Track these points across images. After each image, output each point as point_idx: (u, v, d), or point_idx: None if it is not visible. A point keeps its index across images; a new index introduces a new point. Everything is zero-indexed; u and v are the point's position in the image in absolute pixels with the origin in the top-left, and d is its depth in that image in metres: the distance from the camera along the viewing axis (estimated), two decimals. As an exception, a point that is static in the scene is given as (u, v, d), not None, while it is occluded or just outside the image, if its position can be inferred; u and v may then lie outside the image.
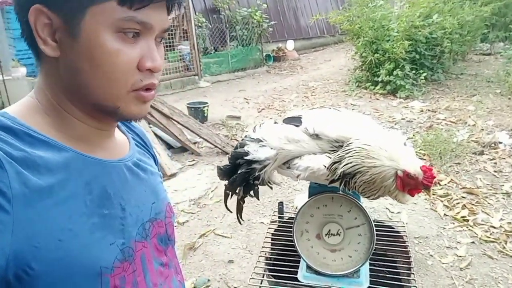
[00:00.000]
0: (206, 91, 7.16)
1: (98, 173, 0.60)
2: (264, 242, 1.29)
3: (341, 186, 0.95)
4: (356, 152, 0.89)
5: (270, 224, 1.39)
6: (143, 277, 0.64)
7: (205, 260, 2.61)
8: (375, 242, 1.05)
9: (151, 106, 3.90)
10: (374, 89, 6.39)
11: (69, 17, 0.54)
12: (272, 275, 1.15)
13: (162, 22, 0.59)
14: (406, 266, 1.18)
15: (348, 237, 1.07)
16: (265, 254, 1.25)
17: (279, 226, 1.38)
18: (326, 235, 1.09)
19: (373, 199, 0.93)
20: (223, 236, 2.85)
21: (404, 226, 1.30)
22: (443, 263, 2.52)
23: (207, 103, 5.35)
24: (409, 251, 1.20)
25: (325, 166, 0.96)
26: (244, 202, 1.12)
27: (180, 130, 4.13)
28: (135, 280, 0.62)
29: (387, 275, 1.15)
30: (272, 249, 1.31)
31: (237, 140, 4.63)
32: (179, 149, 4.25)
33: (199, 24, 7.57)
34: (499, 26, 8.30)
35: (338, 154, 0.92)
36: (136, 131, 0.82)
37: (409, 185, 0.85)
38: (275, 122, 1.13)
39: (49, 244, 0.51)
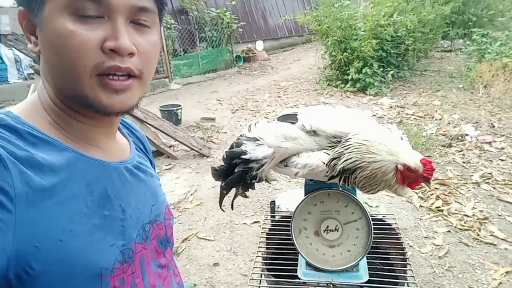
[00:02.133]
0: (178, 94, 7.05)
1: (99, 174, 0.60)
2: (260, 242, 1.28)
3: (341, 182, 0.95)
4: (356, 148, 0.90)
5: (263, 224, 1.38)
6: (142, 278, 0.64)
7: (189, 264, 2.57)
8: (372, 235, 1.06)
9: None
10: (344, 87, 6.53)
11: (36, 11, 0.55)
12: (271, 275, 1.14)
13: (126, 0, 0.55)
14: (401, 257, 1.21)
15: (346, 232, 1.09)
16: (262, 254, 1.25)
17: (272, 225, 1.37)
18: (324, 231, 1.09)
19: (372, 193, 0.95)
20: (206, 239, 2.82)
21: (395, 219, 1.34)
22: (422, 253, 2.61)
23: (180, 105, 5.28)
24: (402, 242, 1.23)
25: (324, 163, 0.96)
26: (245, 195, 1.11)
27: (155, 134, 4.05)
28: (134, 282, 0.62)
29: (384, 267, 1.17)
30: (267, 248, 1.30)
31: (213, 142, 4.59)
32: (154, 153, 4.16)
33: (168, 26, 7.45)
34: (458, 24, 8.70)
35: (337, 150, 0.93)
36: (137, 134, 0.82)
37: (409, 178, 0.87)
38: (268, 121, 1.12)
39: (50, 244, 0.50)
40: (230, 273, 2.49)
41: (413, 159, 0.85)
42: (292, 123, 1.04)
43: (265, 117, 5.47)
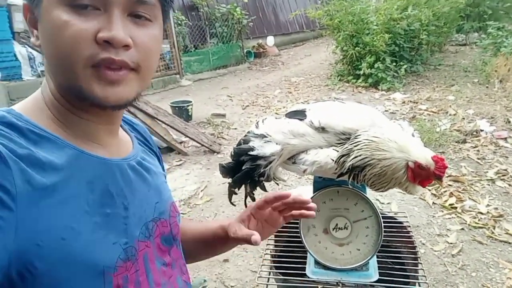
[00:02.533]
0: (189, 90, 7.07)
1: (101, 172, 0.59)
2: (268, 239, 1.27)
3: (350, 179, 0.93)
4: (365, 145, 0.88)
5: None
6: (146, 276, 0.63)
7: (199, 260, 2.58)
8: (383, 234, 1.04)
9: (135, 107, 3.82)
10: (356, 82, 6.45)
11: (35, 3, 0.56)
12: (279, 273, 1.13)
13: None
14: (412, 256, 1.18)
15: (356, 230, 1.07)
16: (270, 252, 1.24)
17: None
18: (333, 229, 1.08)
19: (382, 191, 0.93)
20: (216, 235, 2.82)
21: (406, 217, 1.31)
22: (435, 251, 2.57)
23: (191, 101, 5.28)
24: (414, 241, 1.21)
25: (333, 160, 0.94)
26: (253, 195, 1.10)
27: (165, 130, 4.06)
28: (138, 280, 0.61)
29: (394, 266, 1.15)
30: (275, 246, 1.29)
31: (224, 138, 4.59)
32: (165, 150, 4.18)
33: (178, 22, 7.47)
34: (473, 17, 8.51)
35: (346, 147, 0.91)
36: (139, 129, 0.80)
37: (420, 176, 0.85)
38: (277, 117, 1.11)
39: (52, 242, 0.50)
40: (240, 269, 2.49)
41: (424, 156, 0.83)
42: (301, 119, 1.02)
43: (276, 113, 5.46)
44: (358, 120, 0.94)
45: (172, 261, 0.72)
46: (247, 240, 0.72)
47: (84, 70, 0.54)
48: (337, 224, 1.07)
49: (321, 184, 1.10)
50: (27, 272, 0.49)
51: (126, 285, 0.59)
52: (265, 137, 1.01)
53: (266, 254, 1.21)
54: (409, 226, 1.25)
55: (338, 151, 0.94)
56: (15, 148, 0.50)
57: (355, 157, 0.89)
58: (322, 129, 0.97)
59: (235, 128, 4.93)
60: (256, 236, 0.71)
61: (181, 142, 4.30)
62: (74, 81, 0.55)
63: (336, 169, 0.94)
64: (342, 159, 0.92)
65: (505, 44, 6.29)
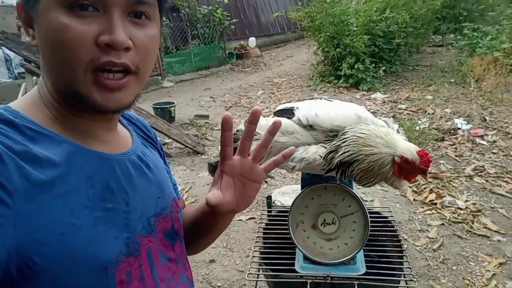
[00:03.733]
0: (171, 91, 7.02)
1: (100, 167, 0.59)
2: (257, 237, 1.28)
3: (338, 175, 0.96)
4: (353, 141, 0.90)
5: (260, 218, 1.38)
6: (150, 272, 0.63)
7: (186, 261, 2.57)
8: (369, 228, 1.07)
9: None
10: (337, 82, 6.55)
11: (32, 3, 0.55)
12: (269, 269, 1.15)
13: None
14: (397, 249, 1.22)
15: (343, 225, 1.09)
16: (259, 249, 1.25)
17: (269, 220, 1.38)
18: (321, 224, 1.10)
19: (369, 186, 0.95)
20: (202, 236, 2.82)
21: (390, 212, 1.35)
22: (417, 246, 2.63)
23: (174, 103, 5.25)
24: (398, 235, 1.24)
25: (321, 156, 0.96)
26: None
27: (148, 132, 4.03)
28: (142, 275, 0.61)
29: (381, 260, 1.18)
30: (264, 243, 1.31)
31: (207, 139, 4.59)
32: (148, 151, 4.15)
33: (159, 23, 7.40)
34: (449, 19, 8.75)
35: (334, 143, 0.93)
36: (138, 123, 0.79)
37: (406, 170, 0.88)
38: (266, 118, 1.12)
39: (51, 238, 0.50)
40: (226, 269, 2.50)
41: (410, 151, 0.86)
42: (289, 117, 1.04)
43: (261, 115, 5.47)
44: (345, 117, 0.97)
45: (176, 256, 0.71)
46: (215, 204, 0.65)
47: (85, 75, 0.54)
48: (325, 220, 1.10)
49: (309, 180, 1.12)
50: (27, 268, 0.49)
51: (130, 281, 0.58)
52: (255, 135, 1.02)
53: (255, 251, 1.22)
54: (394, 221, 1.29)
55: (326, 148, 0.96)
56: (11, 144, 0.50)
57: (343, 153, 0.91)
58: (310, 127, 0.99)
59: (219, 129, 4.92)
60: (210, 194, 0.64)
61: (164, 144, 4.26)
62: (74, 86, 0.55)
63: (324, 165, 0.96)
64: (330, 155, 0.94)
65: (480, 45, 6.50)
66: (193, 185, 3.55)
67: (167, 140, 4.31)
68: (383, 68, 6.48)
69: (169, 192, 0.74)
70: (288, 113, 1.05)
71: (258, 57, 9.68)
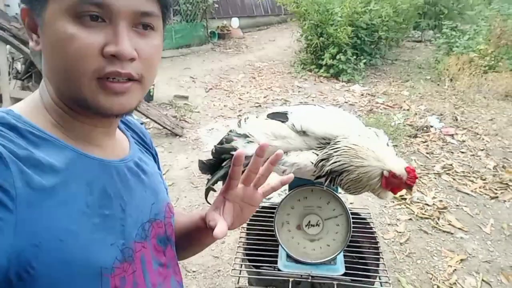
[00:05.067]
0: (149, 68, 6.85)
1: (99, 174, 0.60)
2: (241, 232, 1.31)
3: (326, 182, 0.99)
4: (345, 151, 0.93)
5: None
6: (143, 277, 0.65)
7: (161, 245, 2.58)
8: (351, 231, 1.12)
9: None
10: (318, 72, 6.59)
11: (38, 10, 0.55)
12: (253, 265, 1.18)
13: (129, 3, 0.54)
14: (374, 251, 1.28)
15: (327, 227, 1.14)
16: (242, 244, 1.28)
17: (253, 216, 1.40)
18: (306, 226, 1.14)
19: (356, 194, 0.99)
20: (178, 220, 2.83)
21: (369, 213, 1.40)
22: (385, 239, 2.76)
23: (152, 81, 5.14)
24: (376, 237, 1.30)
25: (312, 163, 0.99)
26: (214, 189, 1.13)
27: (126, 110, 3.94)
28: (135, 281, 0.63)
29: (359, 261, 1.24)
30: (247, 238, 1.34)
31: (186, 122, 4.54)
32: (125, 130, 4.07)
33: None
34: (430, 15, 8.91)
35: (326, 152, 0.96)
36: (135, 128, 0.80)
37: (392, 184, 0.92)
38: (257, 117, 1.14)
39: (50, 244, 0.51)
40: (201, 255, 2.53)
41: (399, 167, 0.90)
42: (282, 121, 1.05)
43: (239, 98, 5.45)
44: (338, 126, 0.99)
45: (167, 261, 0.73)
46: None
47: (90, 82, 0.55)
48: (309, 221, 1.14)
49: (296, 182, 1.15)
50: (25, 273, 0.49)
51: (123, 286, 0.60)
52: (248, 137, 1.04)
53: (239, 247, 1.25)
54: (372, 223, 1.35)
55: (317, 155, 0.99)
56: (15, 149, 0.50)
57: (334, 162, 0.94)
58: (303, 133, 1.02)
59: (198, 112, 4.89)
60: (218, 229, 0.65)
61: (142, 123, 4.20)
62: (79, 92, 0.55)
63: (315, 171, 0.99)
64: (321, 163, 0.97)
65: (457, 44, 6.68)
66: (171, 168, 3.53)
67: (145, 120, 4.24)
68: (364, 60, 6.57)
69: (163, 198, 0.76)
70: (281, 116, 1.07)
71: (240, 38, 9.55)
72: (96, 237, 0.56)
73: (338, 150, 0.94)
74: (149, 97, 4.93)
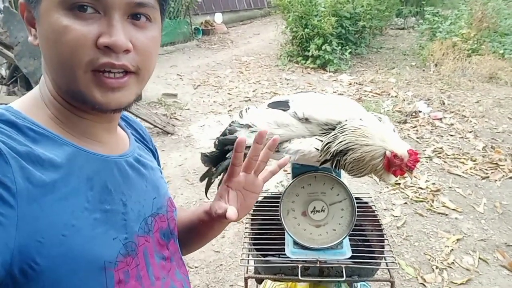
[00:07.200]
0: (135, 67, 6.79)
1: (99, 169, 0.60)
2: (246, 223, 1.32)
3: (333, 166, 1.00)
4: (352, 131, 0.94)
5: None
6: (146, 271, 0.65)
7: (161, 243, 2.58)
8: (356, 214, 1.14)
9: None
10: (305, 63, 6.61)
11: (34, 3, 0.55)
12: (260, 254, 1.19)
13: None
14: (378, 233, 1.30)
15: (332, 212, 1.15)
16: (248, 235, 1.29)
17: (256, 206, 1.41)
18: (311, 212, 1.15)
19: (359, 177, 1.01)
20: (176, 217, 2.83)
21: (371, 197, 1.42)
22: (382, 224, 2.80)
23: (140, 80, 5.09)
24: (379, 219, 1.32)
25: (316, 149, 1.00)
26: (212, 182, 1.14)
27: (116, 111, 3.91)
28: (139, 274, 0.63)
29: (364, 243, 1.26)
30: (252, 229, 1.35)
31: (177, 119, 4.52)
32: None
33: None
34: (412, 2, 9.00)
35: (333, 134, 0.97)
36: (135, 126, 0.81)
37: (394, 165, 0.93)
38: (256, 107, 1.14)
39: (52, 239, 0.51)
40: (202, 250, 2.53)
41: (401, 148, 0.91)
42: (284, 110, 1.06)
43: (228, 93, 5.44)
44: (341, 111, 1.00)
45: (170, 255, 0.74)
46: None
47: (85, 74, 0.54)
48: (314, 207, 1.15)
49: (299, 170, 1.16)
50: (29, 268, 0.49)
51: (127, 280, 0.60)
52: (251, 127, 1.04)
53: (246, 237, 1.26)
54: (374, 206, 1.37)
55: (321, 141, 1.00)
56: (15, 145, 0.50)
57: (340, 141, 0.95)
58: (305, 120, 1.02)
59: (188, 109, 4.87)
60: (230, 210, 0.67)
61: (132, 123, 4.17)
62: (75, 86, 0.55)
63: (320, 156, 1.00)
64: (327, 145, 0.98)
65: (440, 29, 6.77)
66: (165, 166, 3.51)
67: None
68: (349, 50, 6.61)
69: (164, 192, 0.76)
70: (282, 105, 1.07)
71: (225, 33, 9.52)
72: (98, 232, 0.56)
73: (345, 131, 0.95)
74: (138, 96, 4.88)
